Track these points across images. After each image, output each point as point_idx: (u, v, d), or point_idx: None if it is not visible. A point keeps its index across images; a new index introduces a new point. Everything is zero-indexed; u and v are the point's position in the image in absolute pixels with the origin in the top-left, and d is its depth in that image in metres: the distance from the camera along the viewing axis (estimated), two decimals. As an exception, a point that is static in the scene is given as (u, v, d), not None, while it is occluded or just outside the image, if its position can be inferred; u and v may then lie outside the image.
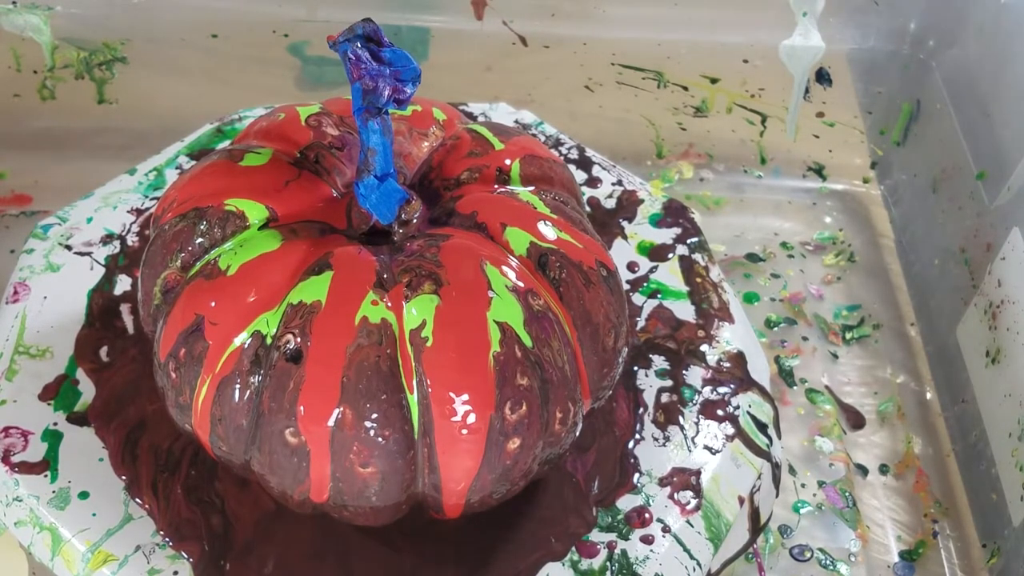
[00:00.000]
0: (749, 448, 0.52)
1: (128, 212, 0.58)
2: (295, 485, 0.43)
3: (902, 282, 0.74)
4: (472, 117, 0.65)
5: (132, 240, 0.57)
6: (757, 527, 0.53)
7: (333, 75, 0.77)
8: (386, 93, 0.42)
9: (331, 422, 0.41)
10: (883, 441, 0.65)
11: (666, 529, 0.49)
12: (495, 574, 0.47)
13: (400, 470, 0.42)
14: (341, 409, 0.41)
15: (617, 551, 0.48)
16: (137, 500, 0.47)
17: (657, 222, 0.61)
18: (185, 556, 0.46)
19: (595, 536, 0.48)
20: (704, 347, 0.56)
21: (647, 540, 0.48)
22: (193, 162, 0.60)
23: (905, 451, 0.65)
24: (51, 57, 0.73)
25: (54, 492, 0.47)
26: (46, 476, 0.48)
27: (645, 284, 0.58)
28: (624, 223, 0.61)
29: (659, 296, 0.58)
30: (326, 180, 0.46)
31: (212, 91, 0.75)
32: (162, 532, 0.46)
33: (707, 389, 0.54)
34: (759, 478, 0.52)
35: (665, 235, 0.61)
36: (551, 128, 0.66)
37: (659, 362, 0.55)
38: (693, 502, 0.50)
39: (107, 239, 0.57)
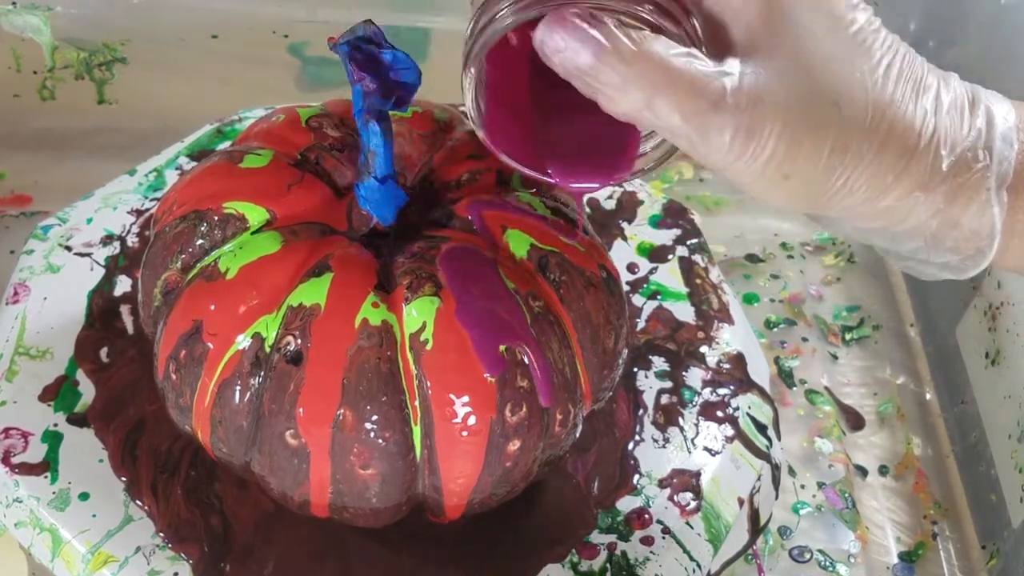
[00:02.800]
0: (749, 449, 0.52)
1: (128, 213, 0.58)
2: (295, 486, 0.43)
3: (902, 282, 0.74)
4: (472, 118, 0.65)
5: (132, 241, 0.57)
6: (757, 528, 0.53)
7: (333, 75, 0.77)
8: (386, 95, 0.42)
9: (331, 424, 0.41)
10: (883, 442, 0.65)
11: (666, 530, 0.49)
12: (495, 575, 0.47)
13: (400, 471, 0.42)
14: (341, 411, 0.41)
15: (617, 552, 0.48)
16: (137, 501, 0.47)
17: (657, 223, 0.61)
18: (185, 557, 0.46)
19: (595, 537, 0.48)
20: (704, 348, 0.56)
21: (647, 541, 0.48)
22: (193, 163, 0.60)
23: (905, 452, 0.65)
24: (51, 57, 0.73)
25: (54, 493, 0.47)
26: (46, 477, 0.48)
27: (645, 285, 0.58)
28: (624, 224, 0.61)
29: (659, 297, 0.57)
30: (326, 182, 0.46)
31: (212, 91, 0.75)
32: (162, 533, 0.46)
33: (707, 390, 0.54)
34: (759, 479, 0.52)
35: (665, 236, 0.61)
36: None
37: (659, 363, 0.55)
38: (693, 503, 0.50)
39: (107, 240, 0.57)
